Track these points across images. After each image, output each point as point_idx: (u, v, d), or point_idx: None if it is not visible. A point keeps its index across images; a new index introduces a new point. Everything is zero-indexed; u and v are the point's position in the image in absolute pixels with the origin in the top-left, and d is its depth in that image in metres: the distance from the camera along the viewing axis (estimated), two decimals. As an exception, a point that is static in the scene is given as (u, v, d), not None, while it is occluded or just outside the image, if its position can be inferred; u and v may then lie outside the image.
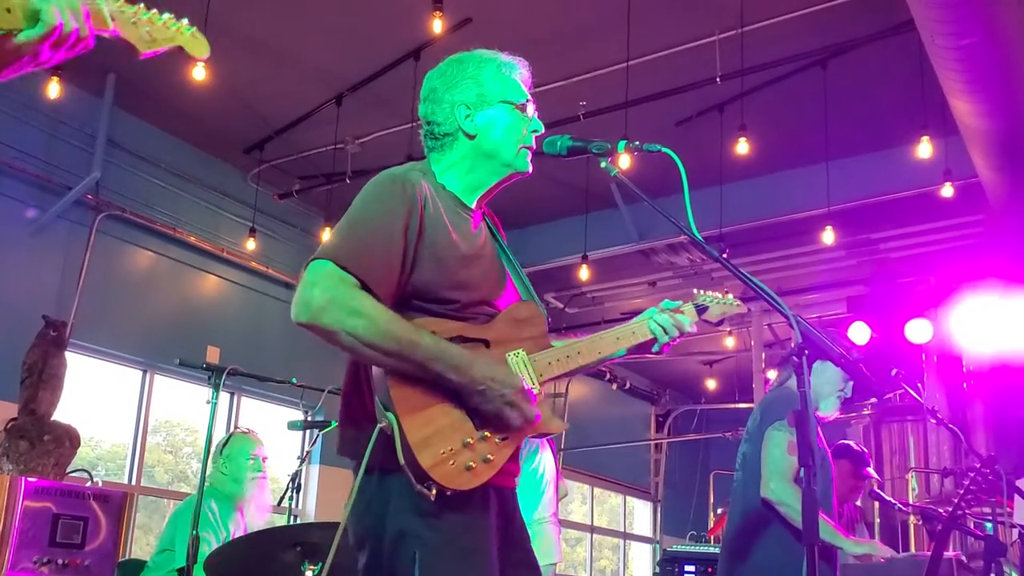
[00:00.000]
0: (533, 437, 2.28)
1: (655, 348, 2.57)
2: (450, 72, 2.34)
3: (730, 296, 2.82)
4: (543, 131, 2.39)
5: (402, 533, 2.05)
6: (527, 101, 2.37)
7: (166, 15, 1.82)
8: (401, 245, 2.09)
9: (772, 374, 4.16)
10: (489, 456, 2.08)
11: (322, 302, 1.97)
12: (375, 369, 2.05)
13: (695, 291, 2.82)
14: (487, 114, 2.31)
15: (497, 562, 2.14)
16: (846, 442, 5.51)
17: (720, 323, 2.76)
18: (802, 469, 2.06)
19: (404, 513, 2.05)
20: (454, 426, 2.06)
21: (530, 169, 2.38)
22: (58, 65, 1.73)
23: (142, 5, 1.79)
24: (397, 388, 2.01)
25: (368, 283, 2.02)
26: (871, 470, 5.22)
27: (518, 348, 2.23)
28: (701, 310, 2.74)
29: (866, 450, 5.50)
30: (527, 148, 2.36)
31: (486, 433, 2.09)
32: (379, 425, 2.03)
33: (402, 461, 1.98)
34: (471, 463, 2.04)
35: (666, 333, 2.53)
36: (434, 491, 1.99)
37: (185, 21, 1.86)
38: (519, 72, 2.41)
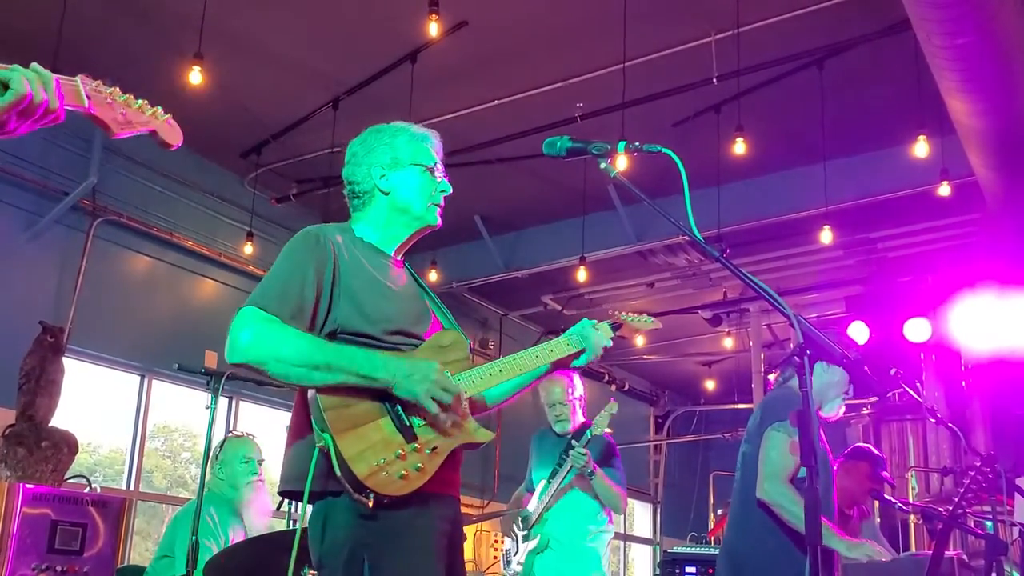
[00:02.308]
0: (464, 448, 2.46)
1: (576, 363, 2.82)
2: (369, 139, 2.68)
3: (645, 315, 3.08)
4: (450, 191, 2.67)
5: (351, 545, 2.28)
6: (435, 165, 2.67)
7: (141, 101, 1.88)
8: (314, 287, 2.38)
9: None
10: (420, 465, 2.31)
11: (247, 340, 2.25)
12: (310, 395, 2.29)
13: (610, 311, 3.07)
14: (399, 174, 2.62)
15: (443, 559, 2.37)
16: (865, 445, 5.49)
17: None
18: (804, 469, 2.06)
19: (350, 527, 2.28)
20: (386, 441, 2.29)
21: (439, 223, 2.68)
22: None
23: (118, 88, 1.84)
24: (331, 410, 2.27)
25: (287, 320, 2.31)
26: (886, 474, 5.21)
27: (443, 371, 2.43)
28: (616, 327, 2.98)
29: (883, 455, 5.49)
30: (436, 205, 2.66)
31: (416, 445, 2.32)
32: (317, 446, 2.25)
33: (339, 473, 2.20)
34: (403, 472, 2.27)
35: (592, 351, 2.80)
36: (371, 499, 2.22)
37: (159, 109, 1.92)
38: (431, 141, 2.71)
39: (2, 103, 1.60)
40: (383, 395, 2.33)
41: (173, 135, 1.95)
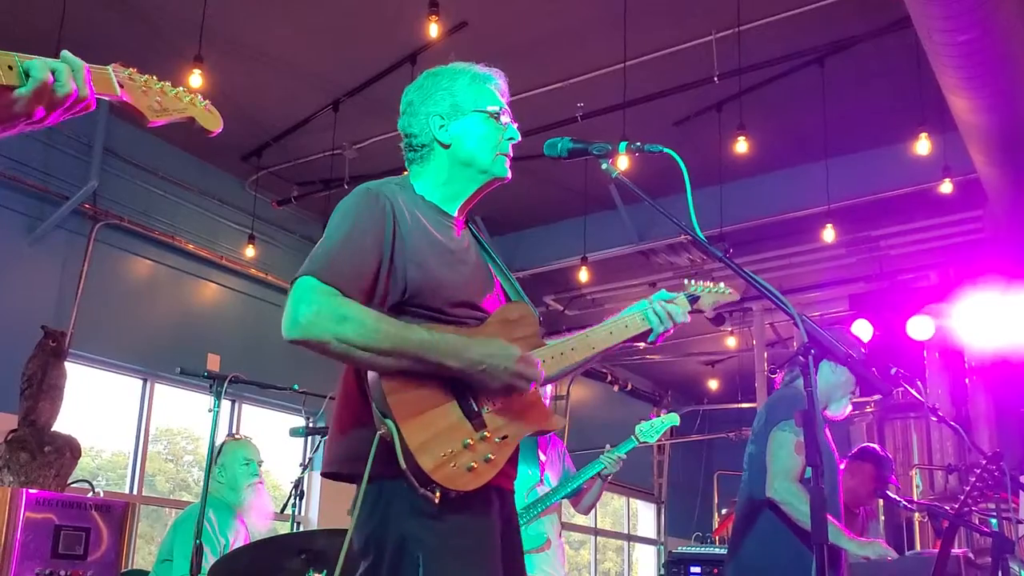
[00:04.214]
0: (535, 435, 2.31)
1: (650, 339, 2.60)
2: (426, 85, 2.40)
3: (721, 284, 2.83)
4: (519, 139, 2.42)
5: (404, 538, 2.08)
6: (502, 109, 2.39)
7: (179, 88, 1.87)
8: (376, 254, 2.14)
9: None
10: (490, 455, 2.11)
11: (308, 315, 2.02)
12: (371, 377, 2.08)
13: (686, 281, 2.84)
14: (461, 123, 2.35)
15: (500, 561, 2.17)
16: (872, 446, 5.47)
17: (716, 317, 2.74)
18: (809, 469, 2.04)
19: (405, 518, 2.09)
20: (453, 428, 2.09)
21: (508, 175, 2.40)
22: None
23: (154, 76, 1.82)
24: (393, 394, 2.04)
25: (347, 292, 2.08)
26: (892, 477, 5.18)
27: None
28: (693, 300, 2.76)
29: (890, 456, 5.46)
30: (503, 155, 2.38)
31: (485, 433, 2.12)
32: (378, 432, 2.05)
33: (404, 466, 2.00)
34: (472, 463, 2.06)
35: (661, 323, 2.57)
36: (438, 493, 2.01)
37: (198, 96, 1.90)
38: (494, 82, 2.43)
39: (24, 91, 1.57)
40: (451, 376, 2.12)
41: (212, 121, 1.92)
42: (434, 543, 2.07)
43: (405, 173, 2.44)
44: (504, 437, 2.16)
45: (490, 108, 2.37)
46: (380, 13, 6.66)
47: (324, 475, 2.26)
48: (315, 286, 2.05)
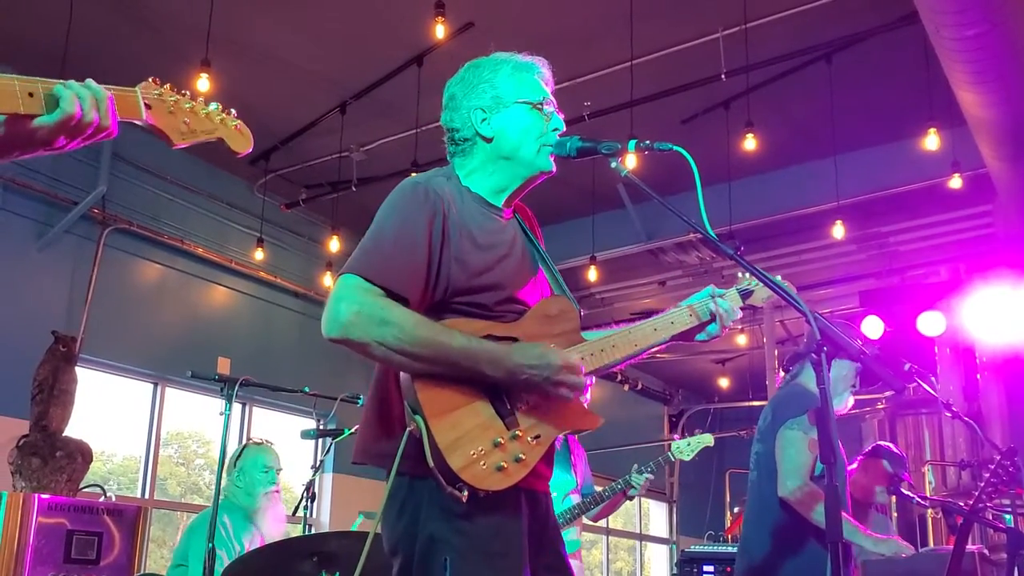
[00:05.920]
0: (569, 433, 2.27)
1: (700, 336, 2.52)
2: (468, 78, 2.34)
3: (778, 277, 2.68)
4: (564, 128, 2.35)
5: (432, 538, 2.06)
6: (545, 99, 2.32)
7: (211, 107, 1.81)
8: (425, 251, 2.09)
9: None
10: (521, 455, 2.06)
11: (350, 316, 1.99)
12: (403, 374, 2.05)
13: (739, 275, 2.76)
14: (503, 116, 2.28)
15: (528, 566, 2.13)
16: (886, 444, 5.45)
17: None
18: (820, 465, 2.03)
19: (434, 519, 2.06)
20: (484, 426, 2.04)
21: (553, 168, 2.32)
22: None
23: (187, 94, 1.78)
24: (425, 391, 2.01)
25: (394, 292, 2.04)
26: (905, 473, 5.15)
27: (549, 344, 2.20)
28: (746, 294, 2.69)
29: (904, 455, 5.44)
30: (548, 147, 2.30)
31: (517, 432, 2.07)
32: (408, 429, 2.03)
33: (431, 464, 1.98)
34: (502, 463, 2.02)
35: (718, 320, 2.50)
36: (466, 493, 1.98)
37: (233, 112, 1.85)
38: (538, 71, 2.36)
39: (50, 121, 1.56)
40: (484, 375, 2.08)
41: (242, 142, 1.88)
42: (462, 545, 2.04)
43: (448, 165, 2.38)
44: (537, 437, 2.11)
45: (533, 99, 2.31)
46: (386, 15, 6.66)
47: (355, 463, 2.23)
48: (359, 285, 2.02)
